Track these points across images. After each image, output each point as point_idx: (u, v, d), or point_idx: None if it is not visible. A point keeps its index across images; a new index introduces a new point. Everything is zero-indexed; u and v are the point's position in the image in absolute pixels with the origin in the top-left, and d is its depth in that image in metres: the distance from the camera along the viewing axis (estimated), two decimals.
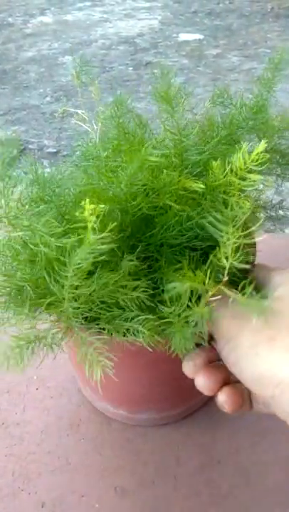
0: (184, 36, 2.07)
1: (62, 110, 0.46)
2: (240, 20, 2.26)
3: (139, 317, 0.31)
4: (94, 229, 0.24)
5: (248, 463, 0.50)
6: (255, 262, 0.38)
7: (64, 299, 0.29)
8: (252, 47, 1.92)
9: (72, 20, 2.38)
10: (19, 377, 0.58)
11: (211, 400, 0.54)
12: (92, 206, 0.24)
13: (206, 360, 0.35)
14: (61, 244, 0.27)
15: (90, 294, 0.29)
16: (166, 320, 0.31)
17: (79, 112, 0.43)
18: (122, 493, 0.47)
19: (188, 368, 0.35)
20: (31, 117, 1.38)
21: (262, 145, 0.28)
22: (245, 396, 0.35)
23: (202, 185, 0.30)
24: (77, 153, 0.42)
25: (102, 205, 0.24)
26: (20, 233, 0.29)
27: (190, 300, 0.30)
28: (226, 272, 0.28)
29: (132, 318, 0.31)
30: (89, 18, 2.40)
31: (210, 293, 0.29)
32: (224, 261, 0.28)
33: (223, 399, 0.35)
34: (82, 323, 0.31)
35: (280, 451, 0.51)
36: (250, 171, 0.29)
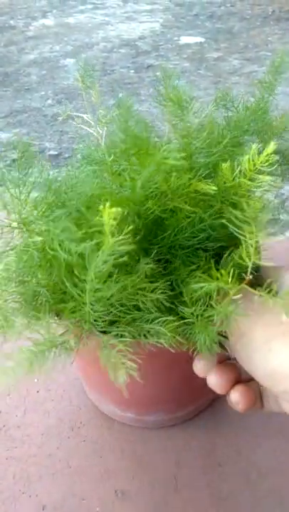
0: (185, 39, 2.08)
1: (66, 115, 0.45)
2: (242, 23, 2.26)
3: (160, 319, 0.31)
4: (113, 232, 0.25)
5: (248, 466, 0.50)
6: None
7: (84, 303, 0.29)
8: (253, 50, 1.92)
9: (73, 23, 2.39)
10: (20, 380, 0.58)
11: (214, 401, 0.54)
12: (113, 210, 0.24)
13: (217, 358, 0.35)
14: (80, 249, 0.27)
15: (108, 298, 0.29)
16: (187, 320, 0.32)
17: (83, 116, 0.43)
18: (122, 496, 0.47)
19: (200, 367, 0.35)
20: (33, 120, 1.38)
21: (271, 146, 0.29)
22: (257, 394, 0.36)
23: (214, 187, 0.31)
24: (78, 156, 0.42)
25: (121, 209, 0.24)
26: (38, 239, 0.29)
27: (209, 299, 0.31)
28: (249, 270, 0.29)
29: (152, 320, 0.31)
30: (90, 21, 2.41)
31: (233, 291, 0.30)
32: (247, 260, 0.28)
33: (237, 397, 0.35)
34: (102, 327, 0.31)
35: (281, 454, 0.51)
36: (260, 172, 0.30)
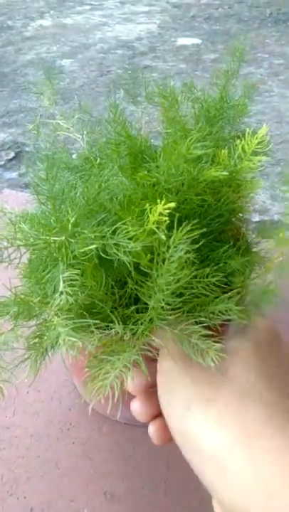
0: (182, 41, 2.08)
1: (37, 122, 0.45)
2: (239, 25, 2.27)
3: (223, 296, 0.31)
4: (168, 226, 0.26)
5: None
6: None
7: (150, 298, 0.29)
8: (250, 52, 1.92)
9: (71, 24, 2.39)
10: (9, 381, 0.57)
11: None
12: (167, 206, 0.26)
13: (151, 383, 0.33)
14: (138, 248, 0.27)
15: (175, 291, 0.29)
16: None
17: (59, 121, 0.43)
18: (111, 498, 0.47)
19: (131, 386, 0.33)
20: (28, 120, 1.37)
21: (264, 128, 0.31)
22: None
23: (226, 173, 0.31)
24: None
25: (172, 204, 0.26)
26: (93, 246, 0.28)
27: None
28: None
29: (217, 301, 0.31)
30: (88, 22, 2.41)
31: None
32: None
33: (151, 432, 0.33)
34: (171, 319, 0.30)
35: None
36: (256, 154, 0.31)
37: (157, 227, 0.27)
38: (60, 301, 0.27)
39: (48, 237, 0.29)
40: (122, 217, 0.29)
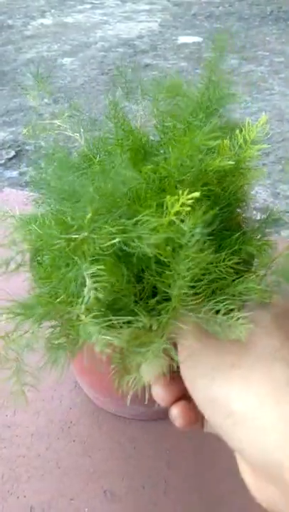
0: (183, 39, 2.08)
1: (28, 129, 0.44)
2: (240, 23, 2.26)
3: (242, 278, 0.32)
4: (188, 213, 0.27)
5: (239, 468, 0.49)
6: None
7: (171, 287, 0.30)
8: (251, 50, 1.92)
9: (72, 23, 2.39)
10: (10, 380, 0.57)
11: None
12: (191, 196, 0.27)
13: (166, 368, 0.33)
14: (162, 236, 0.28)
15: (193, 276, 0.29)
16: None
17: (57, 122, 0.43)
18: (111, 497, 0.47)
19: (145, 375, 0.33)
20: (29, 119, 1.38)
21: (264, 117, 0.31)
22: (199, 414, 0.34)
23: (232, 162, 0.31)
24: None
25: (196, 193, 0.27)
26: (116, 240, 0.28)
27: None
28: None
29: (236, 282, 0.32)
30: (89, 21, 2.41)
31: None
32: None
33: (175, 413, 0.33)
34: (194, 305, 0.31)
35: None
36: (255, 143, 0.31)
37: (177, 218, 0.28)
38: (89, 297, 0.27)
39: (68, 236, 0.29)
40: (139, 211, 0.30)
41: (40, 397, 0.55)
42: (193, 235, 0.27)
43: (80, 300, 0.29)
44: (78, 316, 0.29)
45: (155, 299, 0.32)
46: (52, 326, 0.33)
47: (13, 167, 1.20)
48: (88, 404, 0.54)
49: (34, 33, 2.24)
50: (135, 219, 0.28)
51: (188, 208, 0.27)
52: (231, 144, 0.33)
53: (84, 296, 0.28)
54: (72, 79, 1.70)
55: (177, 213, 0.28)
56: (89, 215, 0.28)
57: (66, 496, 0.47)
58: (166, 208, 0.28)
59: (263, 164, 1.22)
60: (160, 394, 0.34)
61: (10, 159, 1.24)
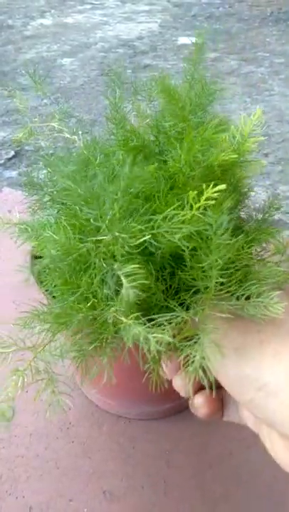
0: (182, 40, 2.08)
1: (20, 138, 0.44)
2: (240, 24, 2.26)
3: (269, 265, 0.32)
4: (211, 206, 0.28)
5: (239, 467, 0.49)
6: None
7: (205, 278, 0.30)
8: (251, 51, 1.92)
9: (72, 23, 2.39)
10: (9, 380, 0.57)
11: None
12: (217, 188, 0.27)
13: (185, 361, 0.35)
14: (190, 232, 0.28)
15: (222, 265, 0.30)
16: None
17: (54, 124, 0.43)
18: (110, 498, 0.47)
19: (167, 367, 0.34)
20: (28, 119, 1.37)
21: (258, 111, 0.32)
22: (220, 403, 0.35)
23: (236, 155, 0.31)
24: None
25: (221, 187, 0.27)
26: (147, 237, 0.28)
27: None
28: None
29: (260, 267, 0.33)
30: (89, 21, 2.41)
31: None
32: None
33: (200, 402, 0.34)
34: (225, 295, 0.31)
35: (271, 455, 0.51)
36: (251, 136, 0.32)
37: (202, 212, 0.28)
38: (128, 297, 0.27)
39: (95, 238, 0.29)
40: (159, 208, 0.30)
41: (39, 397, 0.55)
42: (221, 224, 0.28)
43: (116, 301, 0.29)
44: (116, 318, 0.29)
45: (183, 293, 0.32)
46: (80, 333, 0.33)
47: (13, 167, 1.20)
48: (87, 404, 0.54)
49: (34, 33, 2.24)
50: (162, 214, 0.29)
51: (213, 202, 0.28)
52: (228, 138, 0.34)
53: (121, 297, 0.28)
54: (72, 79, 1.70)
55: (199, 208, 0.28)
56: (116, 214, 0.28)
57: (65, 497, 0.47)
58: (188, 202, 0.29)
59: (263, 165, 1.22)
60: (183, 384, 0.34)
61: (9, 159, 1.23)
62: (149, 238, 0.28)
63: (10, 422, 0.31)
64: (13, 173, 1.16)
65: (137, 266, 0.28)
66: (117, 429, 0.52)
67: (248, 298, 0.31)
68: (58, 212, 0.39)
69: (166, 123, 0.37)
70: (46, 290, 0.41)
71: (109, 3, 2.67)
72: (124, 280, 0.28)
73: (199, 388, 0.35)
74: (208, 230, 0.28)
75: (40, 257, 0.39)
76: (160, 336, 0.27)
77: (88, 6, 2.63)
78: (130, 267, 0.28)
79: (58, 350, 0.32)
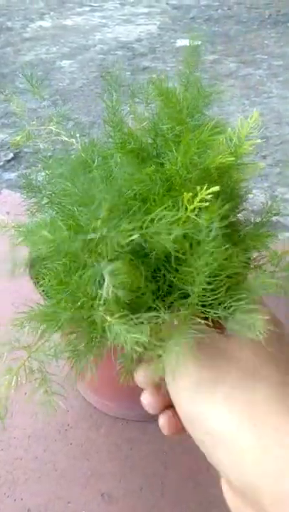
0: (181, 42, 2.08)
1: (18, 141, 0.44)
2: (238, 26, 2.27)
3: (259, 271, 0.33)
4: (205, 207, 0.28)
5: None
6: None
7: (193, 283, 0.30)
8: (249, 53, 1.93)
9: (71, 25, 2.39)
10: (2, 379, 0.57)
11: None
12: (211, 190, 0.27)
13: (158, 377, 0.34)
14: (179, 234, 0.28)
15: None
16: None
17: (52, 127, 0.43)
18: (109, 500, 0.47)
19: (139, 378, 0.34)
20: (27, 121, 1.37)
21: (255, 113, 0.32)
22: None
23: (233, 158, 0.32)
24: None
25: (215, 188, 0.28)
26: (135, 236, 0.28)
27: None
28: None
29: (253, 277, 0.33)
30: (88, 23, 2.41)
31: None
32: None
33: (162, 422, 0.34)
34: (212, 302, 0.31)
35: None
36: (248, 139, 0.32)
37: (195, 214, 0.28)
38: (108, 295, 0.27)
39: (85, 237, 0.29)
40: (152, 209, 0.30)
41: (37, 399, 0.55)
42: (210, 230, 0.28)
43: (99, 300, 0.29)
44: (103, 317, 0.29)
45: (173, 295, 0.32)
46: (74, 332, 0.33)
47: (12, 169, 1.20)
48: (85, 406, 0.54)
49: (33, 35, 2.24)
50: (152, 214, 0.29)
51: (207, 204, 0.28)
52: (225, 140, 0.34)
53: (107, 296, 0.28)
54: (71, 81, 1.70)
55: (193, 209, 0.28)
56: (104, 214, 0.28)
57: (63, 499, 0.47)
58: (182, 204, 0.29)
59: (261, 167, 1.22)
60: (149, 401, 0.34)
61: (8, 161, 1.24)
62: (139, 238, 0.28)
63: (3, 421, 0.31)
64: (12, 175, 1.17)
65: (121, 265, 0.28)
66: (115, 430, 0.52)
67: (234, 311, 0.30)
68: (56, 213, 0.39)
69: (163, 125, 0.37)
70: (43, 291, 0.41)
71: (109, 5, 2.68)
72: (106, 277, 0.28)
73: (165, 407, 0.34)
74: (198, 235, 0.28)
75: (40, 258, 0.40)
76: (138, 336, 0.27)
77: (87, 8, 2.64)
78: (113, 266, 0.28)
79: (51, 349, 0.32)
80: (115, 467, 0.49)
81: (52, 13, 2.56)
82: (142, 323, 0.29)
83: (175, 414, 0.33)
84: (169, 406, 0.34)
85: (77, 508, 0.46)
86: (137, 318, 0.29)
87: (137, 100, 0.44)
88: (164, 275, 0.33)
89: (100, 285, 0.29)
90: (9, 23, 2.40)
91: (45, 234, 0.31)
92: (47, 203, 0.42)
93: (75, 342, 0.33)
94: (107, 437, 0.51)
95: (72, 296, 0.31)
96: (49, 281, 0.35)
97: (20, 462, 0.49)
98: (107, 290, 0.27)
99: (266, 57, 1.87)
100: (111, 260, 0.29)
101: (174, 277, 0.32)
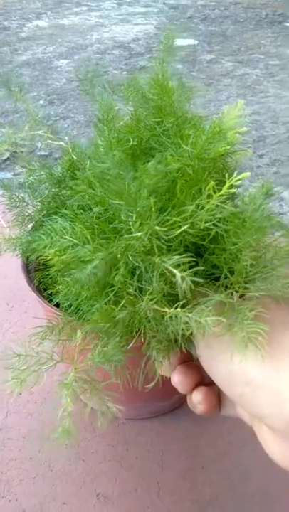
0: (178, 41, 2.08)
1: (8, 145, 0.43)
2: (235, 26, 2.27)
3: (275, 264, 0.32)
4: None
5: (231, 468, 0.49)
6: None
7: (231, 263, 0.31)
8: (246, 53, 1.93)
9: (68, 25, 2.39)
10: (2, 382, 0.57)
11: None
12: (241, 176, 0.28)
13: (181, 359, 0.35)
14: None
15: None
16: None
17: (39, 132, 0.43)
18: (104, 501, 0.47)
19: (164, 366, 0.35)
20: (24, 120, 1.37)
21: (240, 102, 0.33)
22: (217, 398, 0.35)
23: (228, 146, 0.32)
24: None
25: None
26: (185, 227, 0.29)
27: None
28: None
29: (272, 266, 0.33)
30: (85, 23, 2.41)
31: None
32: None
33: (199, 398, 0.34)
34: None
35: (265, 455, 0.50)
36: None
37: (223, 202, 0.29)
38: (184, 286, 0.27)
39: (130, 236, 0.29)
40: (179, 201, 0.31)
41: (32, 399, 0.55)
42: (256, 207, 0.29)
43: (154, 294, 0.29)
44: (157, 310, 0.30)
45: (221, 276, 0.33)
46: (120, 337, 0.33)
47: (7, 168, 1.20)
48: (81, 407, 0.54)
49: (30, 34, 2.24)
50: (194, 203, 0.29)
51: (235, 190, 0.29)
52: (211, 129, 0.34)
53: (155, 289, 0.29)
54: (68, 81, 1.70)
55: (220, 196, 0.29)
56: (152, 208, 0.28)
57: (59, 500, 0.47)
58: (204, 192, 0.29)
59: (258, 167, 1.22)
60: (180, 380, 0.35)
61: (4, 161, 1.23)
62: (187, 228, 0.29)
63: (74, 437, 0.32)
64: (8, 175, 1.16)
65: (180, 256, 0.28)
66: (111, 432, 0.52)
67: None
68: (71, 220, 0.38)
69: (151, 120, 0.37)
70: (46, 298, 0.40)
71: (106, 5, 2.68)
72: (175, 271, 0.28)
73: (196, 385, 0.35)
74: (243, 214, 0.29)
75: (42, 266, 0.39)
76: (214, 318, 0.28)
77: (84, 8, 2.64)
78: (176, 258, 0.28)
79: (100, 356, 0.32)
80: (111, 468, 0.49)
81: (49, 12, 2.56)
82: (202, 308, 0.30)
83: (209, 390, 0.34)
84: (198, 384, 0.35)
85: (73, 509, 0.46)
86: (198, 303, 0.29)
87: (117, 98, 0.44)
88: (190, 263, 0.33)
89: (148, 281, 0.30)
90: (6, 23, 2.39)
91: (69, 239, 0.31)
92: (53, 213, 0.41)
93: (119, 346, 0.32)
94: (103, 438, 0.51)
95: (114, 298, 0.31)
96: (69, 289, 0.34)
97: (15, 463, 0.49)
98: (182, 281, 0.27)
99: (263, 56, 1.87)
100: (160, 254, 0.29)
101: (215, 258, 0.32)
